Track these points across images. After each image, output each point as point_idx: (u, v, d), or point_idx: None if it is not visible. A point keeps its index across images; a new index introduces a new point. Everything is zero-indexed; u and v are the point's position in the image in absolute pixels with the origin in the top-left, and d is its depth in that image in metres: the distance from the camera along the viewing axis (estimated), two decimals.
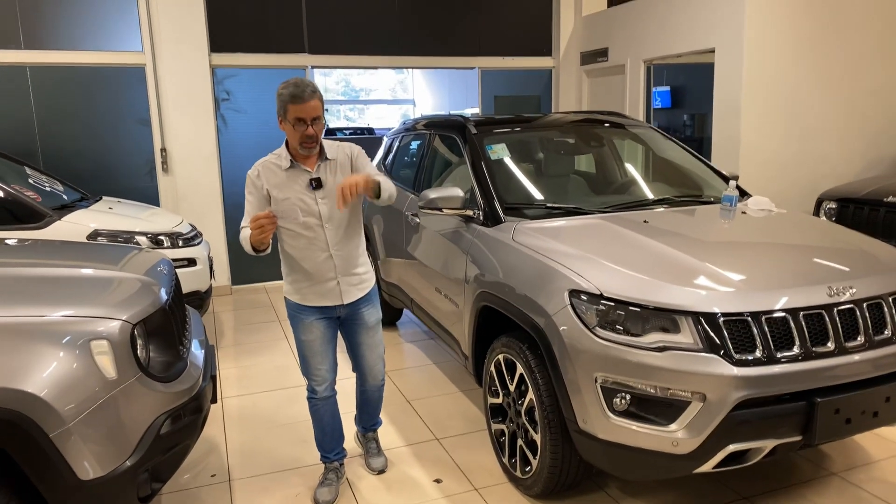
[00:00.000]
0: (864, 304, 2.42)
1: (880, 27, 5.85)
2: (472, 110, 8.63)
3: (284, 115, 2.58)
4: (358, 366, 3.00)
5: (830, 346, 2.34)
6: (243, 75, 6.58)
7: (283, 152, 2.69)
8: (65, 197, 5.00)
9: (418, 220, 4.05)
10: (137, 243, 4.49)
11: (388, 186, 2.67)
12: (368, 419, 3.19)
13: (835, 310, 2.37)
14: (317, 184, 2.67)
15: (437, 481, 3.05)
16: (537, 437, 2.69)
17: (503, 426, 3.03)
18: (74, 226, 4.39)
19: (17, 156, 5.38)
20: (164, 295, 2.54)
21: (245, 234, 2.61)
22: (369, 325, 2.89)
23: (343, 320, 2.86)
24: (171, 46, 6.16)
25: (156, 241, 4.61)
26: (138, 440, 2.16)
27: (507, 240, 3.04)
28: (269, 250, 2.61)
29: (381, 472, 3.10)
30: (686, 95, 10.48)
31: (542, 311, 2.59)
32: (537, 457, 2.71)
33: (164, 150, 6.30)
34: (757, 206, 3.43)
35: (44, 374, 2.00)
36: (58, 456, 1.98)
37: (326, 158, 2.70)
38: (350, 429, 3.18)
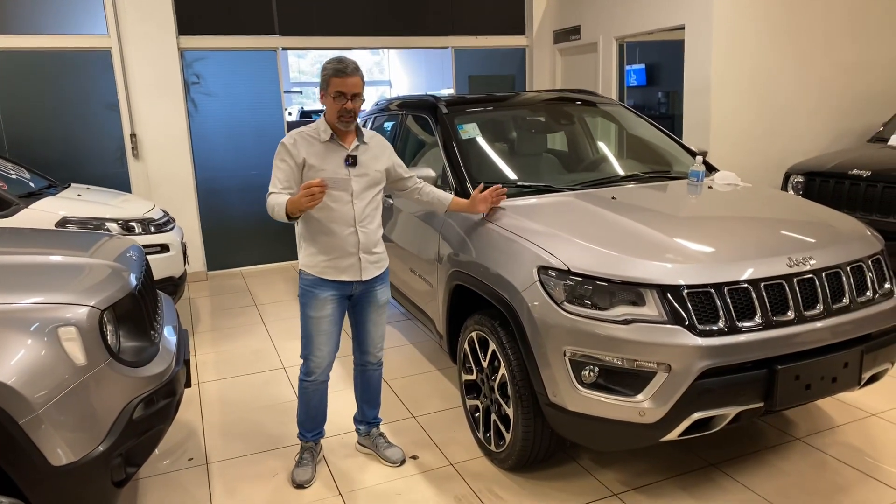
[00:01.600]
0: (823, 274, 2.49)
1: (850, 3, 5.92)
2: (448, 90, 8.60)
3: (326, 88, 2.66)
4: (361, 344, 3.02)
5: (790, 315, 2.40)
6: (213, 58, 6.48)
7: (321, 125, 2.73)
8: (32, 184, 4.91)
9: (392, 202, 4.06)
10: (108, 230, 4.44)
11: None
12: (370, 410, 3.15)
13: (795, 280, 2.44)
14: (353, 161, 2.73)
15: (414, 458, 3.09)
16: (510, 412, 2.74)
17: (477, 402, 3.08)
18: (42, 213, 4.32)
19: None
20: (133, 280, 2.53)
21: (277, 199, 2.62)
22: (380, 304, 2.93)
23: (355, 298, 2.89)
24: (137, 28, 6.04)
25: (127, 227, 4.56)
26: (110, 425, 2.16)
27: (478, 219, 3.07)
28: (298, 219, 2.67)
29: (403, 461, 3.04)
30: (661, 73, 10.51)
31: (511, 287, 2.63)
32: (510, 431, 2.77)
33: (133, 135, 6.20)
34: (723, 181, 3.49)
35: (12, 362, 1.99)
36: (28, 443, 1.98)
37: (363, 141, 2.78)
38: (331, 409, 3.19)
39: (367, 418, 3.16)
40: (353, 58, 2.67)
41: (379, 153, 2.86)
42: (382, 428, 3.23)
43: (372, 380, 3.11)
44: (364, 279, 2.83)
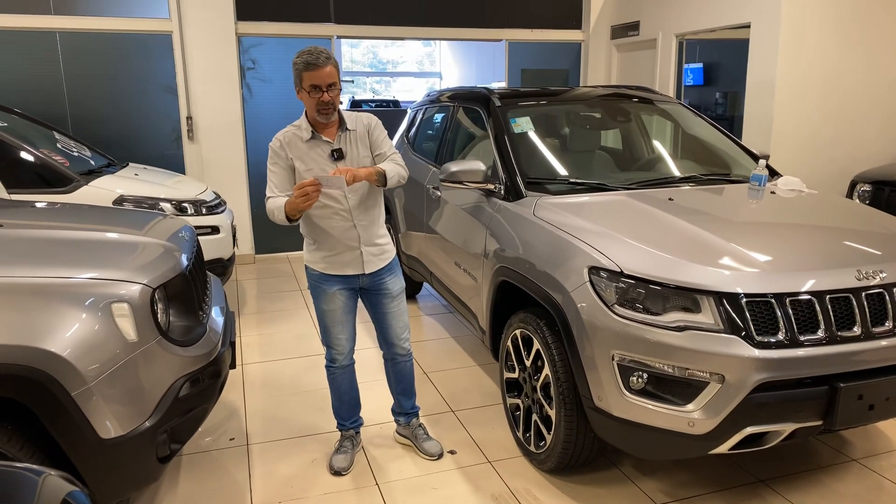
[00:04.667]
0: (895, 289, 2.35)
1: None
2: (499, 84, 8.52)
3: (300, 83, 2.59)
4: (385, 336, 2.98)
5: (857, 330, 2.28)
6: (269, 44, 6.56)
7: (303, 123, 2.68)
8: (92, 162, 5.06)
9: (439, 194, 4.03)
10: (162, 210, 4.54)
11: (396, 171, 2.71)
12: (406, 400, 3.11)
13: (863, 294, 2.31)
14: (338, 154, 2.68)
15: (452, 452, 3.07)
16: (552, 413, 2.69)
17: (518, 401, 3.03)
18: (101, 191, 4.45)
19: (46, 121, 5.46)
20: (184, 261, 2.57)
21: (276, 203, 2.62)
22: (394, 294, 2.88)
23: (366, 290, 2.87)
24: (197, 13, 6.16)
25: (180, 208, 4.65)
26: (157, 402, 2.20)
27: (528, 215, 3.01)
28: (300, 220, 2.65)
29: (440, 455, 3.01)
30: (719, 72, 10.21)
31: (560, 287, 2.56)
32: (551, 432, 2.71)
33: (189, 118, 6.33)
34: (787, 187, 3.34)
35: (66, 335, 2.04)
36: (80, 414, 2.02)
37: (346, 129, 2.71)
38: (370, 398, 3.20)
39: (404, 409, 3.14)
40: (324, 47, 2.58)
41: (364, 135, 2.74)
42: (422, 419, 3.21)
43: (404, 371, 3.06)
44: (368, 272, 2.79)
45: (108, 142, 6.05)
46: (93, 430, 2.06)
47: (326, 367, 2.97)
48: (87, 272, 2.22)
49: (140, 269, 2.32)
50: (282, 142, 2.68)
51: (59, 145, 4.99)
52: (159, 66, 6.26)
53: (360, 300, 2.94)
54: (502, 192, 3.28)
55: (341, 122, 2.70)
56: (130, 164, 5.52)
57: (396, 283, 2.90)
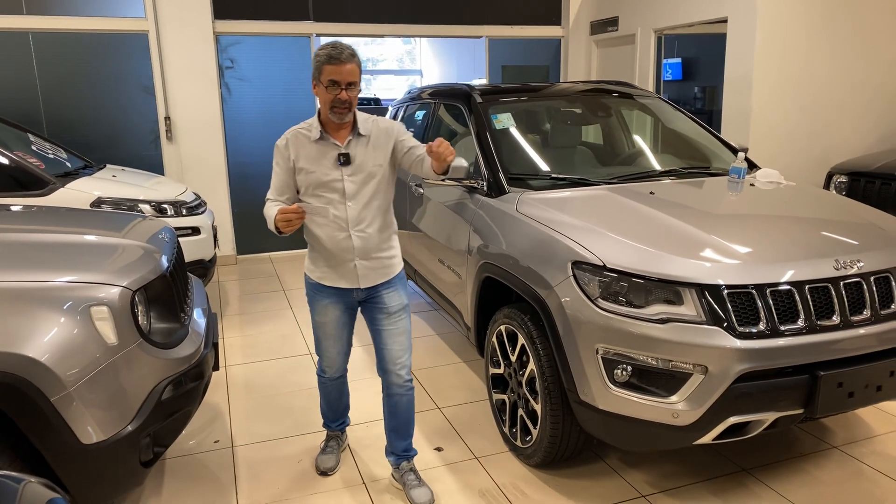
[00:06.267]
0: (872, 278, 2.40)
1: None
2: (480, 80, 8.52)
3: (319, 76, 2.41)
4: (380, 360, 2.68)
5: (836, 319, 2.31)
6: (247, 43, 6.50)
7: (314, 122, 2.53)
8: (68, 164, 4.98)
9: (422, 191, 4.02)
10: (141, 211, 4.48)
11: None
12: (399, 439, 2.75)
13: (841, 283, 2.35)
14: (345, 160, 2.49)
15: (438, 449, 3.07)
16: (538, 408, 2.70)
17: (504, 396, 3.03)
18: (78, 193, 4.38)
19: (20, 123, 5.36)
20: (165, 262, 2.54)
21: (269, 212, 2.50)
22: (391, 311, 2.62)
23: (363, 304, 2.68)
24: (173, 12, 6.08)
25: (159, 209, 4.60)
26: (139, 406, 2.18)
27: (511, 210, 3.02)
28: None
29: None
30: (698, 67, 10.31)
31: (544, 282, 2.57)
32: (537, 427, 2.72)
33: (168, 118, 6.26)
34: (765, 179, 3.39)
35: (45, 339, 2.01)
36: (59, 420, 1.99)
37: (359, 134, 2.52)
38: (357, 397, 3.17)
39: (395, 450, 2.78)
40: (348, 43, 2.45)
41: (381, 141, 2.54)
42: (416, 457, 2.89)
43: (399, 405, 2.70)
44: (363, 287, 2.60)
45: (85, 143, 5.96)
46: (73, 435, 2.03)
47: (317, 374, 2.90)
48: (65, 275, 2.19)
49: (119, 271, 2.28)
50: (288, 140, 2.55)
51: (33, 147, 4.90)
52: (136, 66, 6.18)
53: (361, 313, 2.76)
54: (485, 188, 3.28)
55: (354, 126, 2.52)
56: (108, 165, 5.44)
57: (395, 299, 2.63)
